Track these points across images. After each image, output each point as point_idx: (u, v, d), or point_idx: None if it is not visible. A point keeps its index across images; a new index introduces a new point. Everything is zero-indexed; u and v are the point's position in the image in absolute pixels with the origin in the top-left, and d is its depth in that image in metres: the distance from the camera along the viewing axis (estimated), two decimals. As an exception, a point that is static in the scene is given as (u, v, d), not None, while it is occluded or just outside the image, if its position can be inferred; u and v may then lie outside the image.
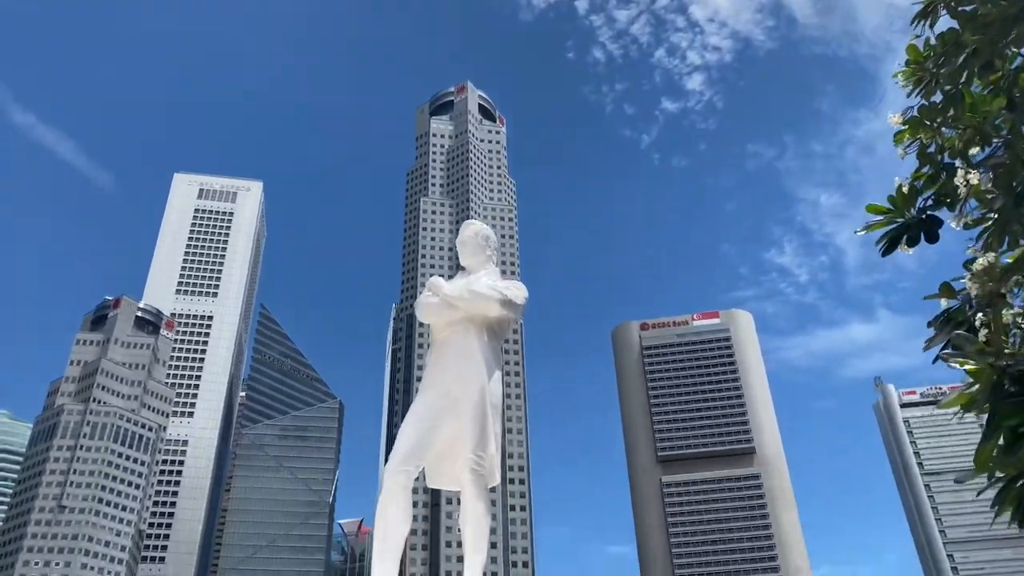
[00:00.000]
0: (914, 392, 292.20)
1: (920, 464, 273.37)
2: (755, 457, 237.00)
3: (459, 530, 6.43)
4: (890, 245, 7.01)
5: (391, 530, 6.18)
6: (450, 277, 8.23)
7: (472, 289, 7.71)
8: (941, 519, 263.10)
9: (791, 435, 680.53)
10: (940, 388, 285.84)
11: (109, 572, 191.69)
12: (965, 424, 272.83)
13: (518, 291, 7.88)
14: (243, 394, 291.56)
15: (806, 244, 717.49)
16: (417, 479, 7.04)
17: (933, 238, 6.95)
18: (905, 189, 7.05)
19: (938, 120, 7.19)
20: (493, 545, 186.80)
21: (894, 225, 7.01)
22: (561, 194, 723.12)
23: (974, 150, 7.01)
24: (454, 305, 7.28)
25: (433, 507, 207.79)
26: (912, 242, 6.87)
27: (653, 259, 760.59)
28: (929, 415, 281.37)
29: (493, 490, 6.69)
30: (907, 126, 7.25)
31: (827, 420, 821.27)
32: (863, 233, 7.14)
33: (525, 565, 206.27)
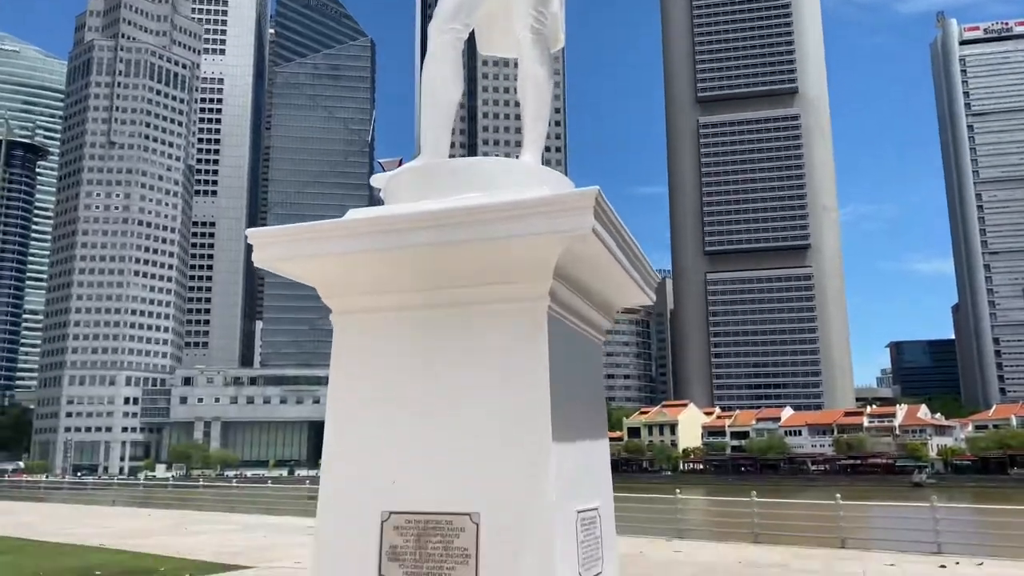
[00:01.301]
0: (977, 28, 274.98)
1: (968, 105, 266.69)
2: (797, 97, 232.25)
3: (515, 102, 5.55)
4: None
5: (440, 95, 5.42)
6: None
7: None
8: (977, 159, 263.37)
9: (837, 75, 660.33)
10: (1006, 23, 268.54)
11: (166, 204, 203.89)
12: (1022, 63, 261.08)
13: None
14: (272, 31, 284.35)
15: None
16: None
17: None
18: None
19: None
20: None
21: None
22: None
23: None
24: None
25: (470, 83, 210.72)
26: None
27: None
28: (988, 53, 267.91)
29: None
30: None
31: (878, 59, 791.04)
32: None
33: (558, 150, 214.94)
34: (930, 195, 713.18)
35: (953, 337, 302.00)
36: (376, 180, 5.44)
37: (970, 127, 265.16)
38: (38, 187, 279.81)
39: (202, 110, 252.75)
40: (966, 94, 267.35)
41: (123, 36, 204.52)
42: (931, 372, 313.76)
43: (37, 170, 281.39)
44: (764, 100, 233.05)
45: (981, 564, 14.22)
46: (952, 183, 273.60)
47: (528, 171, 5.03)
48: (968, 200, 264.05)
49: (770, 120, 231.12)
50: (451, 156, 5.39)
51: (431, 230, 4.42)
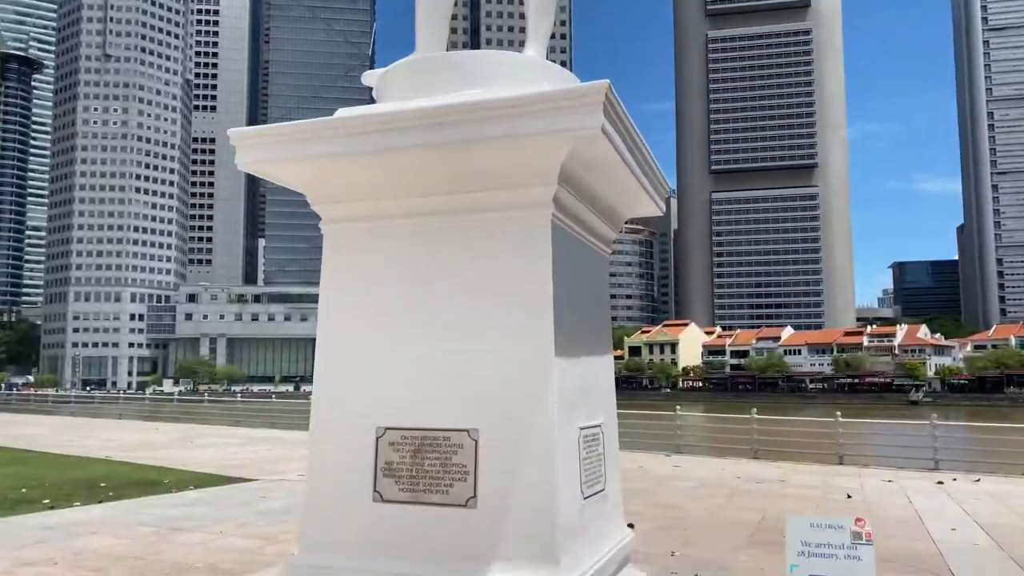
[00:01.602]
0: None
1: (985, 19, 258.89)
2: (809, 11, 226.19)
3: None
4: None
5: None
6: None
7: None
8: (992, 76, 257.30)
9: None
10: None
11: (165, 119, 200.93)
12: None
13: None
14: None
15: None
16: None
17: None
18: None
19: None
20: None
21: None
22: None
23: None
24: None
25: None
26: None
27: None
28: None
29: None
30: None
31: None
32: None
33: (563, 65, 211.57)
34: (940, 114, 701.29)
35: (956, 258, 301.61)
36: (367, 78, 5.08)
37: (986, 42, 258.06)
38: (35, 101, 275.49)
39: (199, 22, 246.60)
40: (984, 8, 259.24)
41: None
42: (933, 293, 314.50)
43: (33, 84, 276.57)
44: (775, 13, 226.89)
45: (978, 481, 14.33)
46: (964, 100, 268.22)
47: (531, 65, 4.64)
48: (980, 118, 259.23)
49: (781, 35, 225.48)
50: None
51: (423, 130, 4.07)
